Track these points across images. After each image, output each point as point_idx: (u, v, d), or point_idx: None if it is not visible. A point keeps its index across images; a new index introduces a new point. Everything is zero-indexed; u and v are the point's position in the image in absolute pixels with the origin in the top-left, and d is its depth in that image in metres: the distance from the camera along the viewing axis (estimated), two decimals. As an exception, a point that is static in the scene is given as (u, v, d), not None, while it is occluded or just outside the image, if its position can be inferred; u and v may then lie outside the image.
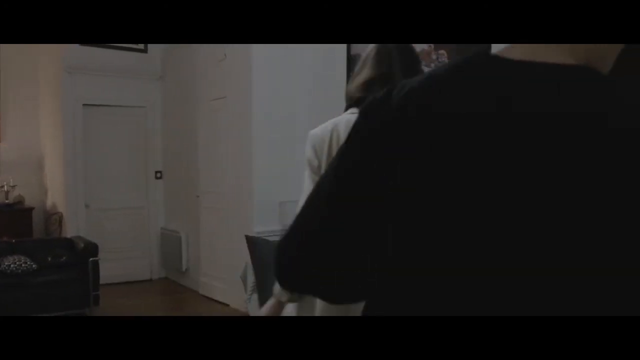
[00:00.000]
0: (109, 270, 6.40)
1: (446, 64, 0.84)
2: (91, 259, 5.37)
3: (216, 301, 6.01)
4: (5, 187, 7.08)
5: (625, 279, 0.67)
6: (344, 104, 5.21)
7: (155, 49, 7.16)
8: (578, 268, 0.68)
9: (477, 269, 0.73)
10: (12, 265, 5.13)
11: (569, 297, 0.69)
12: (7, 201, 7.09)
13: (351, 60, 4.84)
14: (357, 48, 4.77)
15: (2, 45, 7.23)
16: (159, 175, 7.31)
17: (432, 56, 4.06)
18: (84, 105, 6.71)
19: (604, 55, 0.81)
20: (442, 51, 3.99)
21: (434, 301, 0.76)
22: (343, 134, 1.82)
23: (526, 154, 0.72)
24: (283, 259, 0.95)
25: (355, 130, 0.86)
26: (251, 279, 4.61)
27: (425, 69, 3.82)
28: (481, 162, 0.73)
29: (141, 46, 7.06)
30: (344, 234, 0.85)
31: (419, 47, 4.15)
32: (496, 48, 0.82)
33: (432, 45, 4.06)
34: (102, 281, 5.55)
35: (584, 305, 0.68)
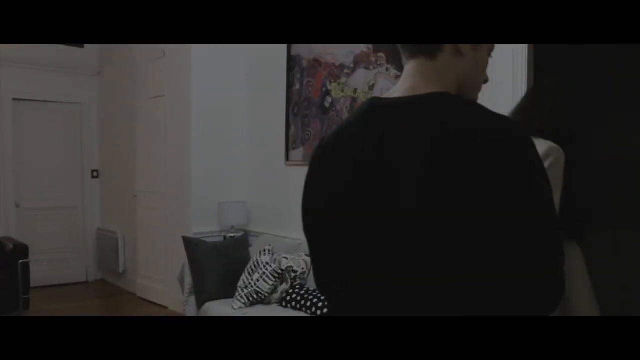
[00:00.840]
0: (42, 272, 6.20)
1: (348, 116, 1.16)
2: (21, 260, 5.16)
3: (154, 303, 5.89)
4: None
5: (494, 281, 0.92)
6: (283, 104, 5.18)
7: (92, 44, 6.95)
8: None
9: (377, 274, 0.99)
10: None
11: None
12: None
13: (291, 60, 4.82)
14: (297, 48, 4.76)
15: None
16: (95, 174, 7.11)
17: (371, 58, 4.09)
18: (14, 99, 6.43)
19: (473, 86, 1.10)
20: (380, 54, 4.02)
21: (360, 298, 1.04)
22: None
23: (404, 171, 0.95)
24: None
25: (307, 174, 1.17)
26: (189, 280, 4.53)
27: (365, 72, 3.83)
28: (369, 186, 1.00)
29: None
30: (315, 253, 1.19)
31: (357, 49, 4.18)
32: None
33: (370, 47, 4.08)
34: (34, 284, 5.35)
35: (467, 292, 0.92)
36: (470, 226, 0.89)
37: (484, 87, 1.14)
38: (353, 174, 1.03)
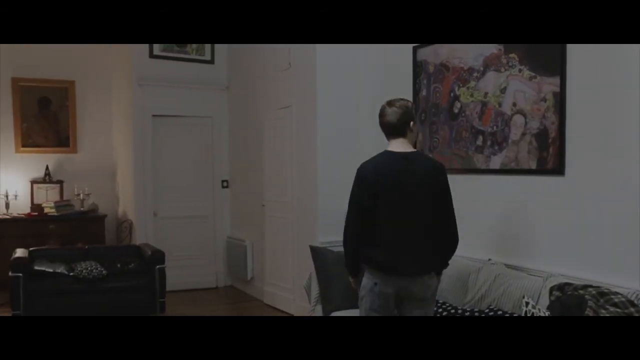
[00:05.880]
0: (176, 277, 6.49)
1: (378, 156, 3.06)
2: (158, 266, 5.45)
3: (280, 310, 5.99)
4: (81, 195, 7.33)
5: (438, 235, 3.04)
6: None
7: (221, 60, 7.26)
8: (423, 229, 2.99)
9: (376, 240, 2.99)
10: (84, 271, 5.28)
11: (421, 239, 2.99)
12: (82, 209, 7.34)
13: (417, 66, 4.72)
14: (423, 54, 4.65)
15: (79, 61, 7.53)
16: (225, 184, 7.38)
17: (502, 60, 3.90)
18: (153, 115, 6.86)
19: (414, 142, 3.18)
20: (512, 54, 3.81)
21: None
22: None
23: (405, 188, 2.93)
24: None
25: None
26: (315, 289, 4.54)
27: (495, 74, 3.66)
28: (391, 195, 2.94)
29: (208, 57, 7.18)
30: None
31: (487, 51, 4.00)
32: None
33: (501, 48, 3.89)
34: (168, 288, 5.61)
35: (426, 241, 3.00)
36: (434, 209, 2.98)
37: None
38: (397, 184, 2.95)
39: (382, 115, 3.03)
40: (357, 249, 3.06)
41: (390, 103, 3.02)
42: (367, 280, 3.04)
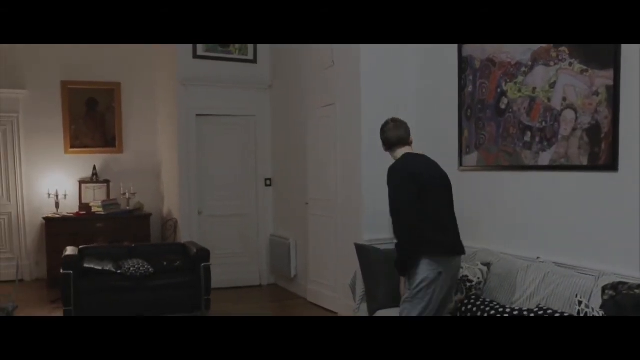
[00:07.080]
0: (220, 275, 6.55)
1: (405, 157, 3.53)
2: (203, 264, 5.51)
3: (324, 309, 5.98)
4: (127, 194, 7.48)
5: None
6: (455, 108, 5.01)
7: (263, 59, 7.29)
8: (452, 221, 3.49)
9: (435, 225, 3.32)
10: (131, 269, 5.37)
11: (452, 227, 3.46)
12: (128, 207, 7.49)
13: (463, 62, 4.64)
14: (469, 49, 4.57)
15: (125, 63, 7.69)
16: (268, 182, 7.42)
17: (551, 54, 3.80)
18: (197, 115, 6.94)
19: None
20: (562, 48, 3.72)
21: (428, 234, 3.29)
22: None
23: (435, 184, 3.42)
24: None
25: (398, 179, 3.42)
26: (361, 287, 4.52)
27: (544, 68, 3.57)
28: (427, 188, 3.33)
29: (251, 57, 7.22)
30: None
31: (535, 45, 3.91)
32: None
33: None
34: (212, 286, 5.66)
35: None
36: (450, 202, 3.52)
37: None
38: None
39: (389, 129, 3.60)
40: (417, 242, 3.26)
41: (394, 120, 3.63)
42: (429, 272, 3.28)
